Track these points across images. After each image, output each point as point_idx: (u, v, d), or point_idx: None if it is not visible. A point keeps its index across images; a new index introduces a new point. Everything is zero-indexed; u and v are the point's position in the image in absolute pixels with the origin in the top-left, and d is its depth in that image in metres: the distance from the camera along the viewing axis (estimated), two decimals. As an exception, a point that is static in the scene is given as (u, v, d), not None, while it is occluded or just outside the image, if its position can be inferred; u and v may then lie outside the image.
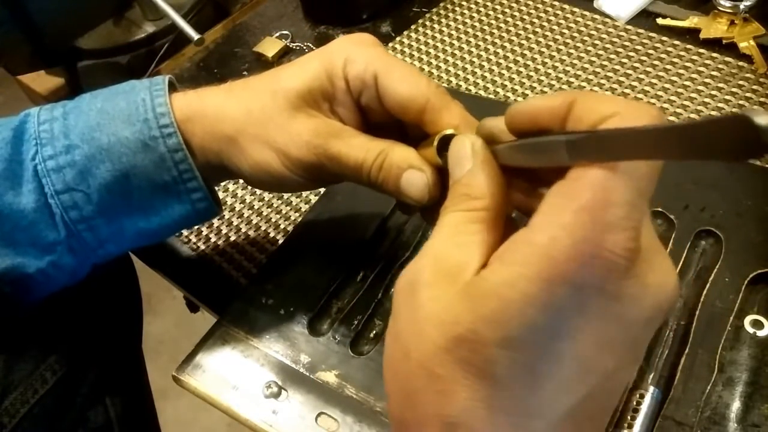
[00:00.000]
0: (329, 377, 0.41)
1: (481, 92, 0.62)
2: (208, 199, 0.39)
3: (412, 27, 0.70)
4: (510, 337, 0.22)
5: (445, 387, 0.23)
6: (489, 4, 0.71)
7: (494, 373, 0.22)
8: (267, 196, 0.57)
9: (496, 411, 0.23)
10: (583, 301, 0.22)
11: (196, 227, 0.56)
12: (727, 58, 0.60)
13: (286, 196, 0.57)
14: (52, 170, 0.37)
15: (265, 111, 0.36)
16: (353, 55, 0.36)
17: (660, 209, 0.45)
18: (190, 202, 0.39)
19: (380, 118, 0.37)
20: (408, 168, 0.34)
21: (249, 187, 0.58)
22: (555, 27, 0.67)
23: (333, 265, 0.47)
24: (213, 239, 0.55)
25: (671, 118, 0.56)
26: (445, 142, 0.32)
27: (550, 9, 0.69)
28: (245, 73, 0.69)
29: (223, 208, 0.56)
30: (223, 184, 0.59)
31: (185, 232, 0.55)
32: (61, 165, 0.37)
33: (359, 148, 0.35)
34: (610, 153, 0.21)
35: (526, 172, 0.28)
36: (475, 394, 0.23)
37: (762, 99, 0.56)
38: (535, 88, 0.61)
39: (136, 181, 0.37)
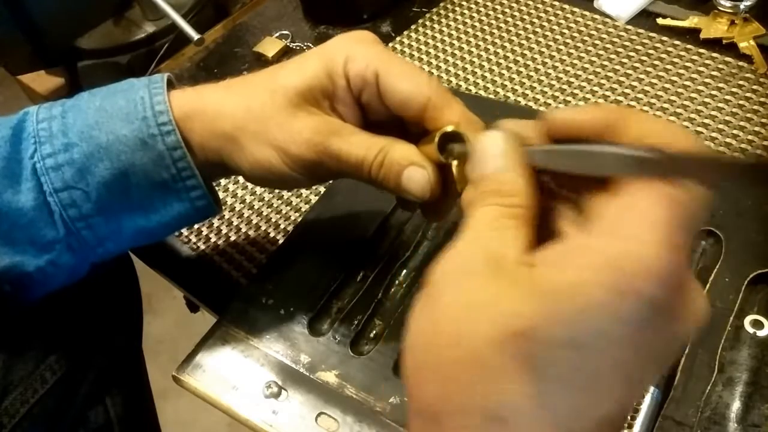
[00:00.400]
0: (329, 377, 0.41)
1: (481, 92, 0.62)
2: (207, 197, 0.39)
3: (412, 27, 0.70)
4: (574, 340, 0.22)
5: (496, 379, 0.22)
6: (489, 4, 0.71)
7: (551, 372, 0.22)
8: (267, 196, 0.57)
9: (544, 409, 0.22)
10: (648, 317, 0.22)
11: (196, 227, 0.56)
12: (727, 58, 0.60)
13: (286, 195, 0.57)
14: (50, 168, 0.37)
15: (264, 109, 0.36)
16: (354, 53, 0.36)
17: (660, 209, 0.45)
18: (189, 201, 0.39)
19: (380, 116, 0.37)
20: (409, 165, 0.34)
21: (249, 187, 0.58)
22: (555, 27, 0.67)
23: (333, 265, 0.47)
24: (213, 239, 0.55)
25: (671, 118, 0.56)
26: (447, 138, 0.32)
27: (550, 9, 0.69)
28: (245, 72, 0.69)
29: (223, 208, 0.56)
30: (223, 183, 0.59)
31: (185, 232, 0.56)
32: (59, 163, 0.37)
33: (359, 146, 0.35)
34: (682, 174, 0.22)
35: (551, 176, 0.28)
36: (528, 390, 0.22)
37: (762, 99, 0.56)
38: (535, 88, 0.61)
39: (135, 179, 0.37)
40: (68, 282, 0.41)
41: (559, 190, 0.28)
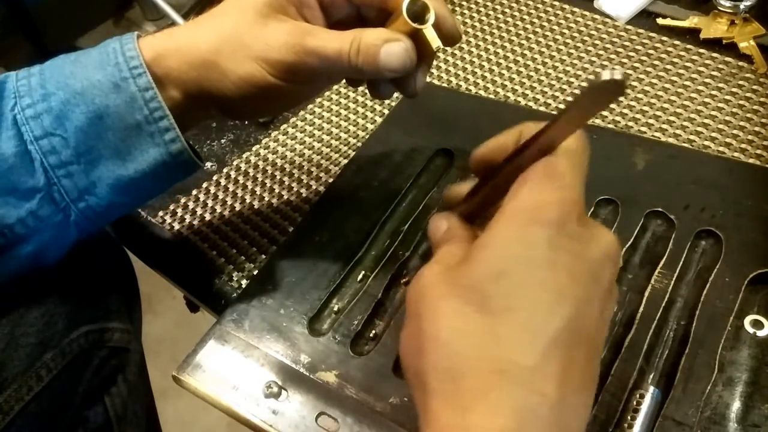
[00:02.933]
0: (329, 377, 0.41)
1: (481, 92, 0.62)
2: (181, 141, 0.39)
3: (412, 27, 0.70)
4: (499, 272, 0.28)
5: (458, 325, 0.28)
6: (489, 4, 0.71)
7: (492, 305, 0.27)
8: (266, 195, 0.57)
9: (498, 340, 0.27)
10: (549, 236, 0.28)
11: (196, 226, 0.56)
12: (727, 58, 0.60)
13: (285, 196, 0.57)
14: (30, 118, 0.38)
15: (237, 27, 0.38)
16: None
17: (660, 209, 0.45)
18: (164, 144, 0.39)
19: (342, 14, 0.41)
20: (384, 42, 0.36)
21: (249, 187, 0.58)
22: (555, 27, 0.67)
23: (333, 265, 0.47)
24: (213, 238, 0.55)
25: (671, 118, 0.56)
26: (412, 7, 0.36)
27: (550, 9, 0.69)
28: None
29: (223, 207, 0.57)
30: (223, 183, 0.59)
31: (185, 231, 0.55)
32: (38, 112, 0.38)
33: (334, 40, 0.37)
34: (543, 147, 0.30)
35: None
36: (481, 326, 0.27)
37: (762, 99, 0.56)
38: (535, 88, 0.61)
39: (109, 121, 0.38)
40: (55, 246, 0.40)
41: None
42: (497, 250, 0.28)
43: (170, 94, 0.39)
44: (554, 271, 0.27)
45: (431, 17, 0.36)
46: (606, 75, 0.25)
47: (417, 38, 0.37)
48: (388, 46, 0.36)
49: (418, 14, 0.37)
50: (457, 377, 0.27)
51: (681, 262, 0.43)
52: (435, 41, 0.36)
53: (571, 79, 0.61)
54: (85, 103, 0.38)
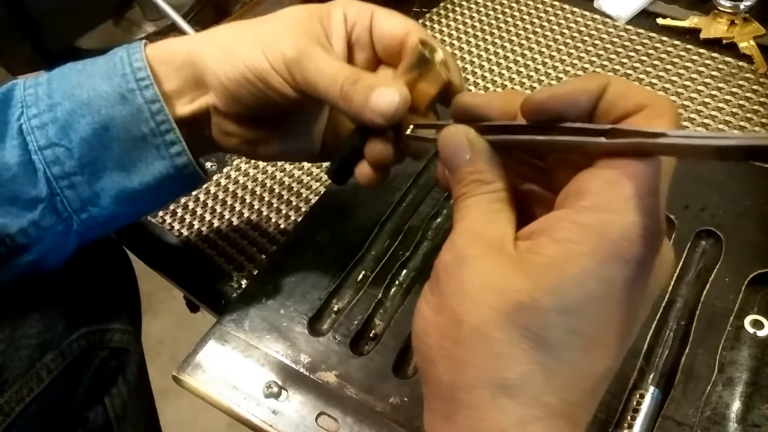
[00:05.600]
0: (329, 377, 0.41)
1: (482, 92, 0.62)
2: (186, 154, 0.39)
3: (412, 27, 0.70)
4: (568, 306, 0.24)
5: (501, 350, 0.25)
6: (489, 4, 0.71)
7: (551, 338, 0.24)
8: (267, 196, 0.57)
9: (551, 375, 0.24)
10: (628, 275, 0.25)
11: (196, 227, 0.56)
12: (727, 58, 0.60)
13: (285, 196, 0.57)
14: (35, 128, 0.37)
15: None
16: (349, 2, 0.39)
17: (660, 209, 0.45)
18: (170, 157, 0.39)
19: (365, 55, 0.39)
20: (381, 87, 0.35)
21: (249, 187, 0.58)
22: (555, 27, 0.67)
23: (333, 265, 0.47)
24: (213, 239, 0.55)
25: (671, 118, 0.56)
26: (418, 51, 0.35)
27: (550, 9, 0.69)
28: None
29: (223, 207, 0.57)
30: (223, 183, 0.59)
31: (185, 232, 0.55)
32: (44, 122, 0.38)
33: (342, 65, 0.37)
34: (654, 152, 0.25)
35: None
36: (533, 358, 0.24)
37: (762, 99, 0.56)
38: (535, 88, 0.61)
39: (115, 133, 0.38)
40: (55, 254, 0.40)
41: (523, 170, 0.31)
42: (572, 281, 0.24)
43: (174, 102, 0.39)
44: (621, 309, 0.25)
45: (438, 56, 0.35)
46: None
47: (413, 86, 0.36)
48: (382, 89, 0.35)
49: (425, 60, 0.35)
50: (499, 398, 0.25)
51: (681, 262, 0.43)
52: (439, 77, 0.35)
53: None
54: (90, 113, 0.37)
